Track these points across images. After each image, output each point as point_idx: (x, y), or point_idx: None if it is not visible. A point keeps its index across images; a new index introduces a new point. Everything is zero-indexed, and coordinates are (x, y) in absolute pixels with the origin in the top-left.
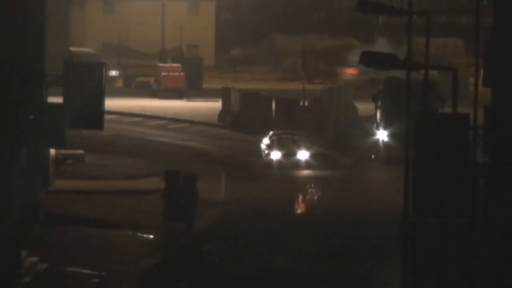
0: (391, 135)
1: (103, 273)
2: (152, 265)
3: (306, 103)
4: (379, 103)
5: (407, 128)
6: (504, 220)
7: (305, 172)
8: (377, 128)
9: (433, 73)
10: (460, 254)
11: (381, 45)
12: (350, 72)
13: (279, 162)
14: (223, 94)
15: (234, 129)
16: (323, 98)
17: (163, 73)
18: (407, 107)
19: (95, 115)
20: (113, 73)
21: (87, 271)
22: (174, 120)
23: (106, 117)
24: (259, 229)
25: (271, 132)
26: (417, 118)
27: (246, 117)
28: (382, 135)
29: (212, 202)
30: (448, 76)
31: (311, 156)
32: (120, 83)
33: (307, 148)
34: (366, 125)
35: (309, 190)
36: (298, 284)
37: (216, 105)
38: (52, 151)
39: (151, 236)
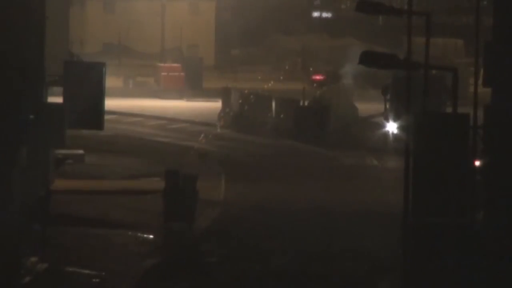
0: (401, 128)
1: (103, 273)
2: (152, 265)
3: (306, 103)
4: (389, 95)
5: (407, 128)
6: (503, 220)
7: None
8: (387, 120)
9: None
10: (460, 254)
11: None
12: (317, 78)
13: None
14: (223, 94)
15: (234, 129)
16: (323, 98)
17: (163, 73)
18: (407, 107)
19: (95, 115)
20: None
21: (87, 271)
22: (174, 120)
23: (106, 117)
24: (260, 228)
25: None
26: (416, 118)
27: (246, 117)
28: (392, 127)
29: (212, 202)
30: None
31: None
32: (112, 83)
33: None
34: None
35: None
36: (298, 284)
37: (216, 105)
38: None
39: (151, 236)
